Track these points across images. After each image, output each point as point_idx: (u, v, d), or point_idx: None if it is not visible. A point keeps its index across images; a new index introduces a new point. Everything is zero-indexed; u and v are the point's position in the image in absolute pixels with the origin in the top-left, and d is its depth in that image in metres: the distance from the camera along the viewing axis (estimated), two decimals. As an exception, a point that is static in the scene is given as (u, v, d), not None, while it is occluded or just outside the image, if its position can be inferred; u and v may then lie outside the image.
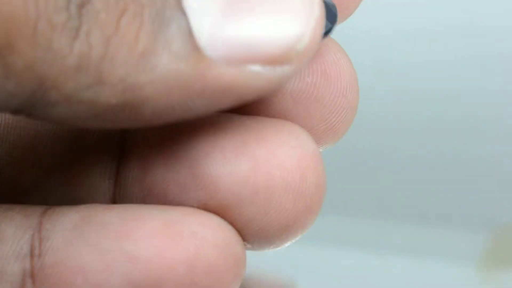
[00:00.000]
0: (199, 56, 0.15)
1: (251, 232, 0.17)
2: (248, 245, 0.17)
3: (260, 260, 0.37)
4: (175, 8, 0.15)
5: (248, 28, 0.15)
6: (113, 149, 0.19)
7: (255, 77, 0.15)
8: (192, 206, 0.17)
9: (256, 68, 0.15)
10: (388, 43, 0.47)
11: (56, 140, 0.19)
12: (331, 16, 0.18)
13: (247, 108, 0.18)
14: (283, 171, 0.17)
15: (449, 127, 0.49)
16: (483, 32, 0.47)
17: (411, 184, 0.50)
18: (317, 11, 0.16)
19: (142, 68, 0.15)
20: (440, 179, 0.50)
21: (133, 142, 0.18)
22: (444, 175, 0.50)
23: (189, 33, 0.15)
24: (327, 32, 0.18)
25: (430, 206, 0.50)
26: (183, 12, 0.15)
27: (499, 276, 0.50)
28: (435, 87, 0.48)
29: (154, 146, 0.18)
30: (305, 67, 0.18)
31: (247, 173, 0.17)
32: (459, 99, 0.48)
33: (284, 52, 0.16)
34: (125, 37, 0.15)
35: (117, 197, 0.18)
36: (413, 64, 0.48)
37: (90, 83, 0.15)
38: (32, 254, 0.17)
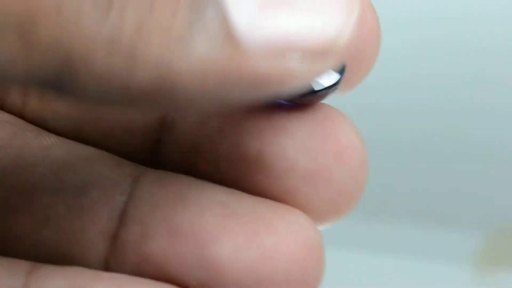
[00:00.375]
0: (236, 45, 0.14)
1: None
2: None
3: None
4: None
5: (288, 19, 0.15)
6: (114, 210, 0.18)
7: (293, 70, 0.15)
8: (190, 283, 0.17)
9: (295, 61, 0.15)
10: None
11: (56, 191, 0.19)
12: (340, 68, 0.17)
13: (257, 182, 0.18)
14: (288, 265, 0.17)
15: (443, 128, 0.49)
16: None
17: (405, 184, 0.50)
18: (356, 10, 0.15)
19: (177, 52, 0.14)
20: (435, 180, 0.50)
21: (136, 205, 0.18)
22: (439, 175, 0.50)
23: (226, 22, 0.14)
24: (335, 84, 0.18)
25: (425, 206, 0.51)
26: (219, 0, 0.15)
27: (494, 276, 0.50)
28: (428, 91, 0.48)
29: (158, 214, 0.18)
30: (317, 147, 0.18)
31: (253, 262, 0.17)
32: (453, 99, 0.48)
33: (325, 45, 0.15)
34: (160, 18, 0.14)
35: (111, 259, 0.18)
36: (410, 78, 0.47)
37: (121, 63, 0.14)
38: None
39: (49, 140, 0.19)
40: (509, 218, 0.50)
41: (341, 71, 0.18)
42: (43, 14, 0.13)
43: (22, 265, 0.18)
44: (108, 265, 0.18)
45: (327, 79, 0.17)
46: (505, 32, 0.47)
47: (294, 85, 0.15)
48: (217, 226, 0.17)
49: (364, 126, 0.48)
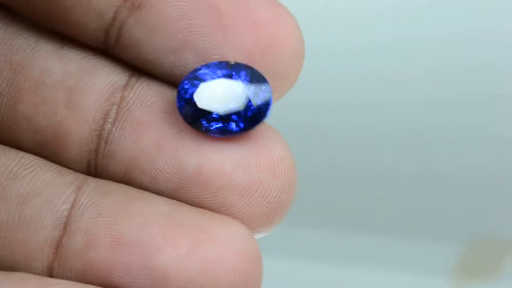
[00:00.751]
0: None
1: None
2: None
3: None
4: None
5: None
6: (58, 218, 0.19)
7: None
8: None
9: None
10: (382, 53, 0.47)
11: None
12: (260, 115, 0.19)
13: (195, 195, 0.19)
14: (231, 275, 0.18)
15: (421, 141, 0.49)
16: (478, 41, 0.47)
17: (382, 196, 0.50)
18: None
19: None
20: (412, 191, 0.50)
21: (79, 214, 0.18)
22: (416, 187, 0.50)
23: None
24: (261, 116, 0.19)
25: (402, 218, 0.51)
26: None
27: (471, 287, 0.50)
28: (404, 98, 0.48)
29: (102, 223, 0.18)
30: (253, 162, 0.18)
31: (197, 272, 0.18)
32: (431, 110, 0.48)
33: None
34: None
35: (55, 268, 0.18)
36: (391, 74, 0.48)
37: None
38: None
39: None
40: (487, 229, 0.50)
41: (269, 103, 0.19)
42: None
43: None
44: (52, 274, 0.18)
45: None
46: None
47: None
48: (161, 237, 0.18)
49: (346, 137, 0.48)
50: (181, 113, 0.19)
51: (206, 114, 0.18)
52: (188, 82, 0.19)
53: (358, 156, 0.49)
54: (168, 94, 0.19)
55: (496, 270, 0.51)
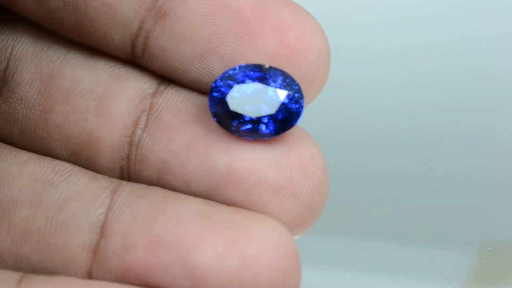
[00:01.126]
0: None
1: None
2: None
3: None
4: None
5: None
6: (95, 222, 0.19)
7: None
8: None
9: None
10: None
11: (35, 206, 0.19)
12: (295, 116, 0.19)
13: (228, 195, 0.19)
14: (269, 270, 0.18)
15: (437, 149, 0.49)
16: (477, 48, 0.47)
17: (396, 203, 0.50)
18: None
19: None
20: (426, 199, 0.50)
21: (116, 217, 0.19)
22: (430, 194, 0.50)
23: None
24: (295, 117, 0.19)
25: (416, 225, 0.51)
26: None
27: (485, 295, 0.50)
28: (418, 106, 0.48)
29: (138, 225, 0.18)
30: (284, 161, 0.19)
31: (236, 270, 0.18)
32: (444, 116, 0.48)
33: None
34: None
35: (94, 271, 0.19)
36: (396, 83, 0.48)
37: None
38: None
39: (24, 156, 0.20)
40: (500, 237, 0.50)
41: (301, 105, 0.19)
42: None
43: (12, 276, 0.18)
44: (91, 277, 0.18)
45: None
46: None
47: None
48: (198, 235, 0.18)
49: (356, 144, 0.48)
50: (212, 112, 0.19)
51: (237, 116, 0.19)
52: (221, 82, 0.19)
53: (375, 164, 0.49)
54: (197, 100, 0.20)
55: (509, 278, 0.51)
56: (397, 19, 0.46)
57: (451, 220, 0.50)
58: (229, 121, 0.19)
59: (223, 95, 0.19)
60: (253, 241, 0.18)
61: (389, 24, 0.46)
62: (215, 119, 0.19)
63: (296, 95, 0.19)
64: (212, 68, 0.19)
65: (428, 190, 0.50)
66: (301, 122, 0.19)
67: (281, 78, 0.19)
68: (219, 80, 0.19)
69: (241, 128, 0.19)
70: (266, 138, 0.19)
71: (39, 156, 0.20)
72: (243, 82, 0.19)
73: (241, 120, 0.19)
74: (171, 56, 0.19)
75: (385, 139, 0.49)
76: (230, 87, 0.19)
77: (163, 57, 0.19)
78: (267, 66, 0.19)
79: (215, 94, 0.19)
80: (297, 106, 0.19)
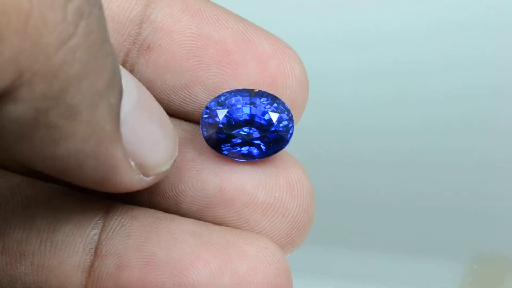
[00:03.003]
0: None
1: None
2: None
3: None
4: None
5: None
6: (89, 243, 0.19)
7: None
8: None
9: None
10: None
11: (29, 228, 0.19)
12: (283, 141, 0.19)
13: (219, 216, 0.19)
14: None
15: (428, 159, 0.49)
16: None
17: (390, 214, 0.51)
18: (175, 154, 0.18)
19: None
20: (420, 209, 0.50)
21: (109, 237, 0.19)
22: (424, 205, 0.50)
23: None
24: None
25: (410, 235, 0.51)
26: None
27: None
28: (413, 119, 0.48)
29: (132, 245, 0.19)
30: (272, 182, 0.19)
31: (229, 287, 0.18)
32: (437, 130, 0.49)
33: (154, 167, 0.18)
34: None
35: None
36: (395, 99, 0.48)
37: (55, 91, 0.15)
38: None
39: (16, 179, 0.20)
40: (491, 248, 0.50)
41: (284, 143, 0.19)
42: (9, 32, 0.14)
43: None
44: None
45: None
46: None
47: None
48: (191, 254, 0.18)
49: (353, 158, 0.49)
50: (204, 136, 0.19)
51: (229, 139, 0.19)
52: (213, 107, 0.19)
53: (369, 179, 0.50)
54: (185, 125, 0.20)
55: (501, 287, 0.51)
56: (387, 37, 0.46)
57: (445, 231, 0.50)
58: (221, 145, 0.19)
59: (215, 119, 0.19)
60: (246, 259, 0.18)
61: (380, 41, 0.46)
62: (207, 143, 0.19)
63: (285, 117, 0.19)
64: (197, 97, 0.19)
65: (423, 203, 0.50)
66: (290, 142, 0.20)
67: (271, 101, 0.19)
68: (211, 105, 0.19)
69: (232, 151, 0.19)
70: (256, 159, 0.19)
71: (30, 179, 0.20)
72: (234, 106, 0.19)
73: (233, 143, 0.19)
74: (156, 87, 0.19)
75: (381, 154, 0.49)
76: (221, 111, 0.19)
77: (148, 89, 0.19)
78: (256, 90, 0.19)
79: (207, 119, 0.19)
80: (286, 128, 0.19)
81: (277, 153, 0.19)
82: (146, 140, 0.17)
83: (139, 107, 0.17)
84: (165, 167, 0.18)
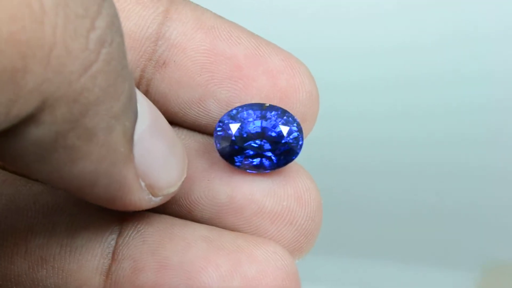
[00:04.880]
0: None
1: None
2: None
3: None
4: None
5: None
6: (106, 247, 0.20)
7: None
8: None
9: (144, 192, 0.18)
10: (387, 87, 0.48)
11: (50, 234, 0.20)
12: (293, 153, 0.20)
13: (229, 223, 0.20)
14: None
15: (439, 169, 0.50)
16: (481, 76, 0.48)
17: (401, 224, 0.51)
18: (184, 175, 0.19)
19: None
20: (430, 219, 0.51)
21: (125, 242, 0.20)
22: (434, 214, 0.51)
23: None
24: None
25: (420, 244, 0.51)
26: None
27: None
28: (416, 132, 0.49)
29: (147, 249, 0.19)
30: (281, 191, 0.20)
31: None
32: (448, 139, 0.49)
33: (163, 188, 0.18)
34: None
35: None
36: (399, 110, 0.48)
37: (74, 117, 0.15)
38: None
39: (38, 187, 0.20)
40: (504, 255, 0.51)
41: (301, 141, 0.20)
42: (34, 63, 0.14)
43: None
44: None
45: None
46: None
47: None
48: (203, 258, 0.19)
49: (363, 168, 0.49)
50: (218, 149, 0.20)
51: (242, 151, 0.20)
52: (225, 121, 0.20)
53: (379, 189, 0.50)
54: (198, 137, 0.21)
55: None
56: (391, 47, 0.46)
57: (456, 240, 0.51)
58: (234, 156, 0.20)
59: (228, 132, 0.20)
60: (256, 263, 0.19)
61: (385, 51, 0.46)
62: (221, 155, 0.20)
63: (295, 130, 0.20)
64: (210, 111, 0.20)
65: (432, 211, 0.50)
66: (302, 151, 0.20)
67: (281, 115, 0.20)
68: (223, 119, 0.20)
69: (245, 162, 0.20)
70: (268, 171, 0.20)
71: (51, 187, 0.21)
72: (246, 120, 0.20)
73: (245, 155, 0.20)
74: (171, 102, 0.20)
75: (392, 165, 0.49)
76: (233, 125, 0.20)
77: (163, 103, 0.20)
78: (267, 104, 0.20)
79: (220, 132, 0.20)
80: (296, 141, 0.20)
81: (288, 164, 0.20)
82: (157, 162, 0.18)
83: (152, 130, 0.18)
84: (173, 189, 0.19)
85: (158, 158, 0.18)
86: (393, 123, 0.48)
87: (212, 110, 0.20)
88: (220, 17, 0.20)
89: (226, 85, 0.20)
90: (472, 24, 0.46)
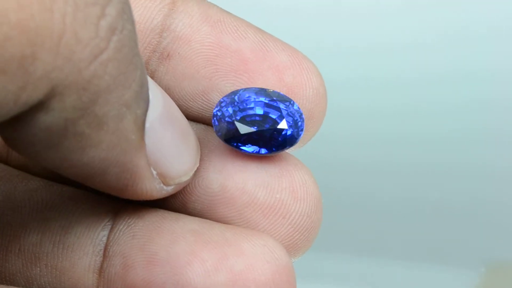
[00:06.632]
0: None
1: None
2: None
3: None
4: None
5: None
6: (98, 244, 0.19)
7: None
8: None
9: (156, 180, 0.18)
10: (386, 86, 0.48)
11: (43, 231, 0.20)
12: (291, 139, 0.19)
13: (221, 215, 0.19)
14: (258, 285, 0.18)
15: (441, 167, 0.50)
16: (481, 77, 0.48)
17: (402, 222, 0.51)
18: (197, 164, 0.19)
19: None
20: (433, 217, 0.51)
21: (116, 238, 0.19)
22: (437, 212, 0.50)
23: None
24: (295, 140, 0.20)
25: (423, 243, 0.51)
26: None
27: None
28: (420, 130, 0.49)
29: (136, 244, 0.19)
30: (274, 183, 0.19)
31: (224, 285, 0.18)
32: (453, 138, 0.49)
33: (176, 176, 0.19)
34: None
35: None
36: (404, 109, 0.48)
37: (84, 104, 0.15)
38: None
39: (35, 183, 0.20)
40: (507, 254, 0.51)
41: (301, 129, 0.19)
42: (43, 51, 0.14)
43: None
44: None
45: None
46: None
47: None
48: (189, 253, 0.18)
49: (365, 165, 0.49)
50: (216, 130, 0.19)
51: (241, 134, 0.19)
52: (226, 102, 0.19)
53: (381, 187, 0.50)
54: (200, 125, 0.20)
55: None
56: (395, 48, 0.46)
57: (458, 238, 0.51)
58: (234, 139, 0.19)
59: (228, 114, 0.19)
60: (242, 257, 0.18)
61: (389, 52, 0.46)
62: (217, 134, 0.19)
63: (297, 116, 0.19)
64: (214, 104, 0.20)
65: (434, 209, 0.50)
66: (304, 148, 0.20)
67: (284, 100, 0.19)
68: (224, 100, 0.19)
69: (244, 145, 0.19)
70: (263, 153, 0.19)
71: (49, 182, 0.20)
72: (246, 101, 0.19)
73: (243, 136, 0.19)
74: (175, 94, 0.20)
75: (395, 163, 0.49)
76: (233, 107, 0.19)
77: (168, 95, 0.20)
78: (270, 90, 0.19)
79: (218, 112, 0.19)
80: (297, 127, 0.19)
81: (284, 156, 0.19)
82: (169, 150, 0.18)
83: (164, 118, 0.18)
84: (186, 178, 0.19)
85: (170, 147, 0.18)
86: (398, 121, 0.48)
87: (216, 102, 0.20)
88: (226, 11, 0.20)
89: (230, 78, 0.20)
90: (474, 23, 0.45)
